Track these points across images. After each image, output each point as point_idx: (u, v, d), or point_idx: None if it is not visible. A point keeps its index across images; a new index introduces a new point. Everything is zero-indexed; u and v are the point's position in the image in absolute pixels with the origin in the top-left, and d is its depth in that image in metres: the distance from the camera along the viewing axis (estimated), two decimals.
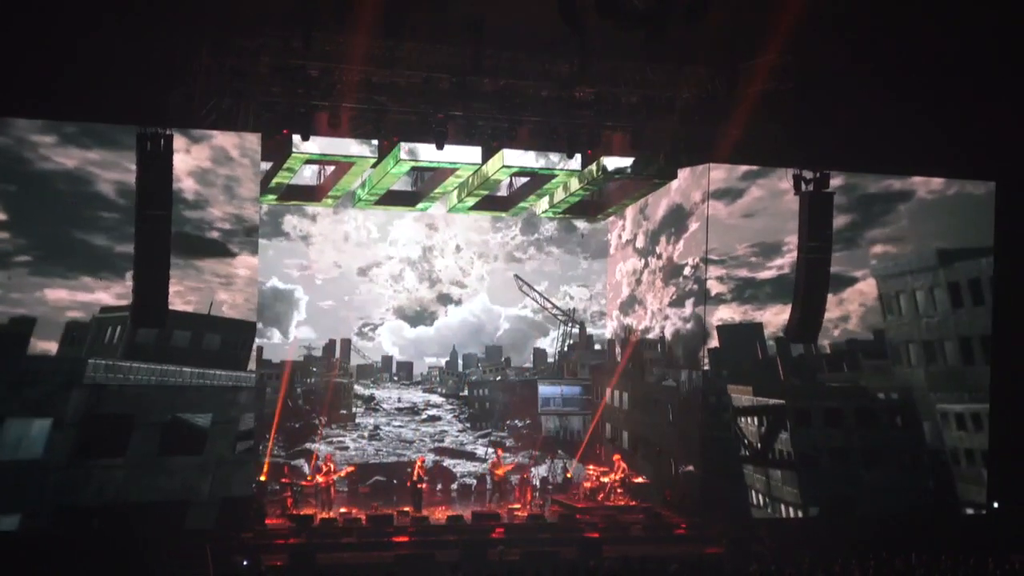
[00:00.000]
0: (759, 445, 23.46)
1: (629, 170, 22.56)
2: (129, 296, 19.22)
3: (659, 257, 24.96)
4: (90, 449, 19.92)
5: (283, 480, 22.88)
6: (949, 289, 24.20)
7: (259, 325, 22.48)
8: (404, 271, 27.42)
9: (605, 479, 24.04)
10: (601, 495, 23.78)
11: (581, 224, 27.78)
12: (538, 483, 25.29)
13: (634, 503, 23.60)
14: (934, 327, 24.26)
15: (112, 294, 19.90)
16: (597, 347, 28.57)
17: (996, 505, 23.69)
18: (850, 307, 23.71)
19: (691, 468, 23.35)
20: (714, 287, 22.92)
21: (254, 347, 21.51)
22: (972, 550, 17.79)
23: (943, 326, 24.26)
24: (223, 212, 20.57)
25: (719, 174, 22.79)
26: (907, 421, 24.13)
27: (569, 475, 26.07)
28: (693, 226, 23.32)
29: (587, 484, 24.35)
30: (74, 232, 19.83)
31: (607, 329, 28.17)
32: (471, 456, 27.21)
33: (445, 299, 27.89)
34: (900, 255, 24.05)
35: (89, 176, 19.75)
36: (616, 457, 24.51)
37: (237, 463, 21.02)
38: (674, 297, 24.23)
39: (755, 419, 23.47)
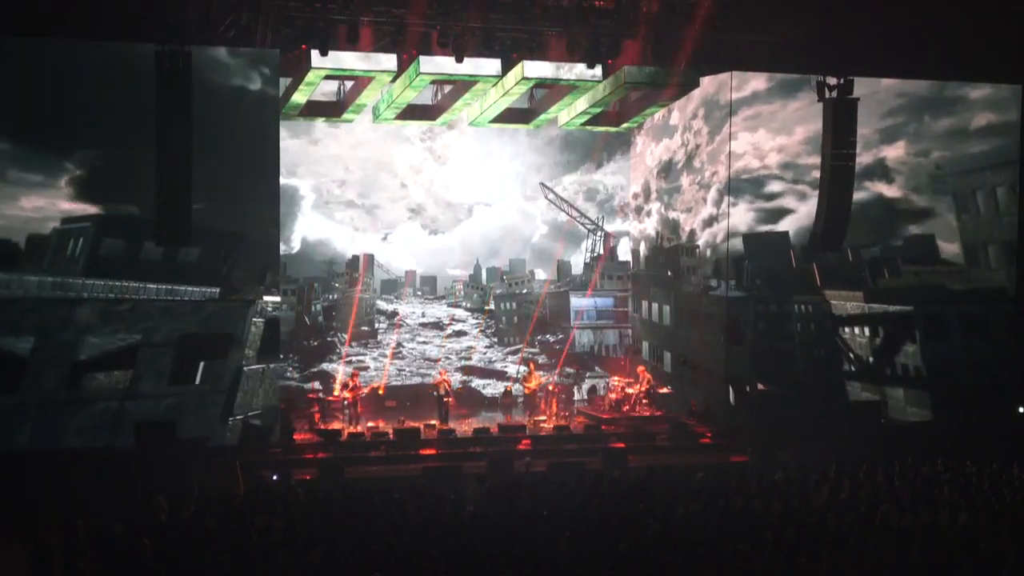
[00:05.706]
0: (871, 359, 22.67)
1: (651, 79, 22.31)
2: (100, 205, 18.32)
3: (696, 135, 24.18)
4: None
5: (309, 396, 23.11)
6: None
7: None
8: (426, 161, 26.78)
9: (630, 390, 24.12)
10: (626, 406, 23.88)
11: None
12: (564, 396, 25.35)
13: (659, 413, 23.71)
14: (1018, 226, 23.26)
15: (98, 206, 18.59)
16: (625, 259, 28.03)
17: (1022, 410, 23.64)
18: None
19: (761, 387, 22.52)
20: (770, 179, 22.50)
21: (280, 261, 20.92)
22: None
23: None
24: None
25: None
26: None
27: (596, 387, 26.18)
28: (726, 129, 22.77)
29: (612, 395, 24.46)
30: (49, 136, 18.19)
31: (646, 226, 27.11)
32: (501, 375, 26.94)
33: (466, 198, 27.17)
34: (976, 150, 23.01)
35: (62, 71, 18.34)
36: (640, 368, 24.55)
37: (73, 402, 17.45)
38: (705, 201, 23.62)
39: (866, 329, 22.57)
